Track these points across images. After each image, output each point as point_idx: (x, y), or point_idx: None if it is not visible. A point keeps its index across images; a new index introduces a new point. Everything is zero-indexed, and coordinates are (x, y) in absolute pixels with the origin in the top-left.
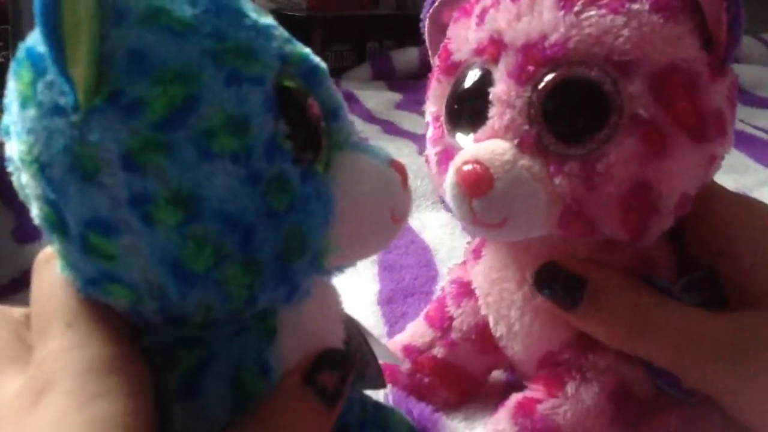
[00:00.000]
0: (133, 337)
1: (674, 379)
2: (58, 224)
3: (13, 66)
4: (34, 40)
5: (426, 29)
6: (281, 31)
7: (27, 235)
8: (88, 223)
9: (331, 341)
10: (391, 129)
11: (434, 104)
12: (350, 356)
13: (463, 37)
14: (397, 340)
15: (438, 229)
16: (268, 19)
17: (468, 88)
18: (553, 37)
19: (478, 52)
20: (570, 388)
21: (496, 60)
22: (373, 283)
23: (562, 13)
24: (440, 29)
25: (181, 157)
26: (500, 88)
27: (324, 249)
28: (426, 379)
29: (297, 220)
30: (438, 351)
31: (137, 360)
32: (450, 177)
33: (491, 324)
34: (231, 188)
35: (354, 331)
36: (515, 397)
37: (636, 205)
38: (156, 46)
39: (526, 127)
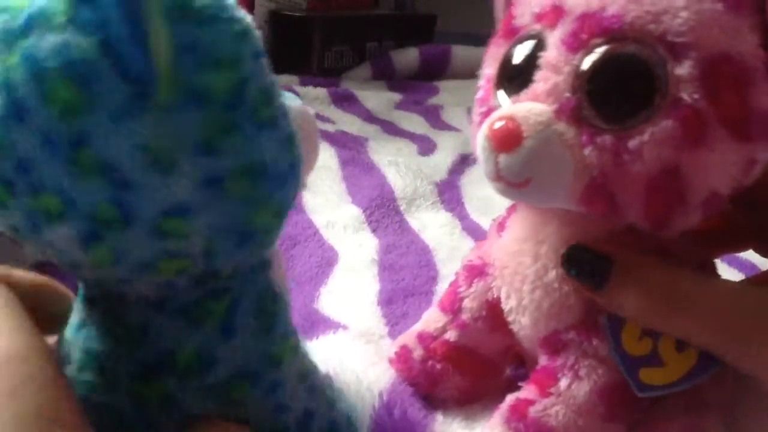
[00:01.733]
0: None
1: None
2: (118, 221)
3: None
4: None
5: None
6: None
7: None
8: (166, 211)
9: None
10: (391, 129)
11: (489, 66)
12: None
13: (528, 1)
14: (412, 329)
15: (438, 229)
16: None
17: (521, 53)
18: (612, 9)
19: (539, 17)
20: (563, 384)
21: (554, 26)
22: (373, 283)
23: None
24: None
25: (245, 132)
26: (551, 53)
27: None
28: (438, 366)
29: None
30: (450, 334)
31: (44, 352)
32: (482, 131)
33: (503, 297)
34: (277, 146)
35: None
36: (509, 400)
37: (662, 191)
38: (201, 37)
39: (568, 94)
